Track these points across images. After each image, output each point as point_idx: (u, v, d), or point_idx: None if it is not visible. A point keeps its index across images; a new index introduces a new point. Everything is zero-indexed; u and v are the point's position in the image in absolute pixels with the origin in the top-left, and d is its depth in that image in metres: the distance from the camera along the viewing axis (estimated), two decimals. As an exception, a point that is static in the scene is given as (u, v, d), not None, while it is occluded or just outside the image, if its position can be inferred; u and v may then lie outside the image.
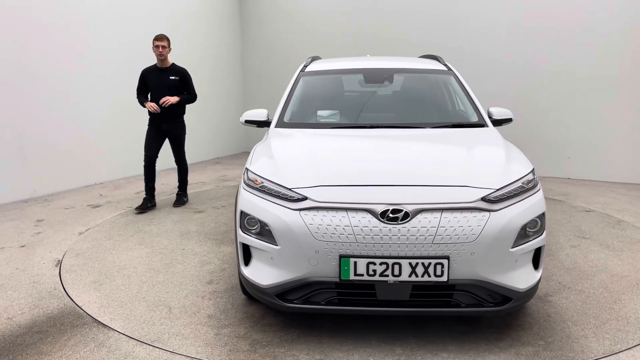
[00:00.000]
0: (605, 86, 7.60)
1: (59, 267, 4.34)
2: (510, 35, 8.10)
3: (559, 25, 7.75)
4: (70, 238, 5.11)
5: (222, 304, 3.66)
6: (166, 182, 7.66)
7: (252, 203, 3.11)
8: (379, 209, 2.86)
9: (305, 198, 2.96)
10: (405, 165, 3.29)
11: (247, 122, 4.29)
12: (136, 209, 6.00)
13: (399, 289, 2.90)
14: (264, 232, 3.03)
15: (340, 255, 2.85)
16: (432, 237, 2.81)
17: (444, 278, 2.85)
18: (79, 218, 5.84)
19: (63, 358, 2.95)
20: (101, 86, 7.50)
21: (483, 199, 2.92)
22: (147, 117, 6.08)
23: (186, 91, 6.07)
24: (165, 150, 6.30)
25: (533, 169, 3.27)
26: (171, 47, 6.01)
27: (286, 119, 4.17)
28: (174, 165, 6.36)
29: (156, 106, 5.79)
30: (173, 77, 5.95)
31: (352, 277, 2.87)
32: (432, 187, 2.98)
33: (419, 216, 2.85)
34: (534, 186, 3.15)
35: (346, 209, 2.89)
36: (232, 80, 10.50)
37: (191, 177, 7.77)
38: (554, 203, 6.44)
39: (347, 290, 2.96)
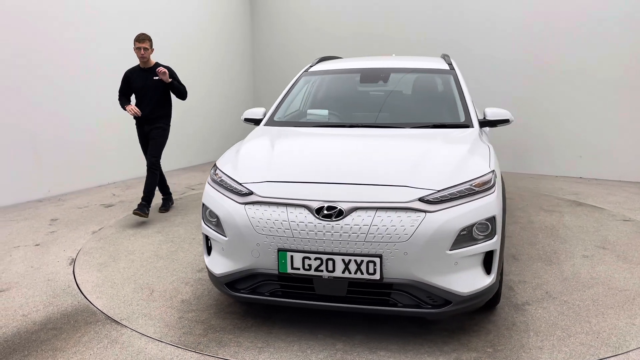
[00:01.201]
0: (617, 84, 7.49)
1: (72, 265, 4.43)
2: (521, 35, 8.03)
3: (570, 23, 7.68)
4: (83, 237, 5.20)
5: (200, 291, 3.89)
6: (189, 178, 8.05)
7: (211, 196, 3.30)
8: (315, 205, 2.94)
9: (251, 193, 3.11)
10: (355, 164, 3.32)
11: (246, 120, 4.49)
12: (160, 209, 6.04)
13: (335, 285, 2.96)
14: (218, 223, 3.21)
15: (278, 248, 2.97)
16: (365, 235, 2.85)
17: (377, 276, 2.87)
18: (93, 217, 5.91)
19: (77, 354, 3.02)
20: (113, 87, 6.98)
21: (420, 199, 2.90)
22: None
23: (173, 87, 5.72)
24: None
25: (492, 172, 3.18)
26: (153, 47, 5.75)
27: (277, 117, 4.32)
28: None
29: (137, 109, 5.59)
30: (157, 78, 5.64)
31: (289, 270, 2.97)
32: (370, 186, 3.01)
33: (353, 214, 2.89)
34: (488, 189, 3.06)
35: (286, 205, 3.00)
36: (243, 80, 10.41)
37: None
38: (588, 209, 6.05)
39: (288, 283, 3.07)
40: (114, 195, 7.01)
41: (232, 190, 3.20)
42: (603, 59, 7.52)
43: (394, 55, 5.84)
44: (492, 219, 3.01)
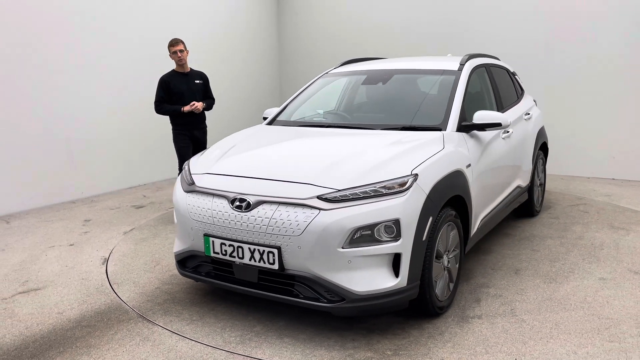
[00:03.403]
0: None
1: (105, 264, 4.55)
2: (555, 34, 7.69)
3: (605, 23, 7.32)
4: (116, 237, 5.31)
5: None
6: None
7: (175, 186, 3.81)
8: (231, 197, 3.27)
9: (193, 182, 3.54)
10: (280, 161, 3.53)
11: (264, 118, 4.91)
12: None
13: (248, 271, 3.25)
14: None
15: (204, 233, 3.36)
16: (266, 227, 3.09)
17: (276, 266, 3.10)
18: (124, 218, 6.02)
19: (110, 351, 3.11)
20: (144, 91, 7.37)
21: (319, 197, 3.04)
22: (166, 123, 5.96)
23: (207, 95, 5.95)
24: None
25: (411, 176, 3.14)
26: (188, 49, 5.80)
27: (281, 117, 4.65)
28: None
29: (199, 104, 5.63)
30: (198, 81, 5.80)
31: (212, 254, 3.35)
32: (279, 182, 3.22)
33: (259, 207, 3.15)
34: (398, 192, 3.06)
35: (212, 195, 3.38)
36: (268, 84, 10.35)
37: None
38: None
39: (218, 266, 3.43)
40: (145, 196, 7.12)
41: (184, 180, 3.66)
42: (634, 56, 7.17)
43: (449, 55, 5.71)
44: (396, 222, 3.01)
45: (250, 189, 3.24)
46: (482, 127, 3.92)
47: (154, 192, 7.37)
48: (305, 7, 10.05)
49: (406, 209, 3.04)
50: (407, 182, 3.11)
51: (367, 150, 3.45)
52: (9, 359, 3.07)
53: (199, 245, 3.41)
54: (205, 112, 5.98)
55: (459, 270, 3.71)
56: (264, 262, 3.12)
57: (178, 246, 3.64)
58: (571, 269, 4.24)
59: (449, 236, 3.49)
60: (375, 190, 3.05)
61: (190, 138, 5.83)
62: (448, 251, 3.52)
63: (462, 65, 4.43)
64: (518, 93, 5.52)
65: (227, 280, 3.40)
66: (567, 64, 7.64)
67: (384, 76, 4.60)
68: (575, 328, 3.28)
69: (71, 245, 5.12)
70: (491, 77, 4.83)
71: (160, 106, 5.75)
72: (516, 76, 5.72)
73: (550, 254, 4.59)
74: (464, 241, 3.79)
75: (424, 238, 3.14)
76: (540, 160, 5.77)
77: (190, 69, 5.88)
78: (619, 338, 3.15)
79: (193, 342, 3.18)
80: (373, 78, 4.65)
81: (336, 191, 3.05)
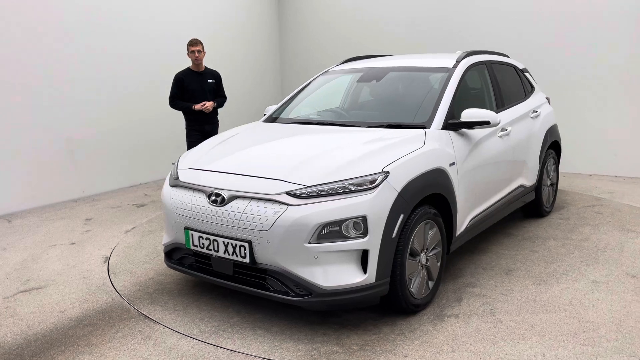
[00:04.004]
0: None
1: (107, 263, 4.56)
2: (557, 32, 7.58)
3: (605, 20, 7.19)
4: (117, 236, 5.33)
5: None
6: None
7: (166, 180, 3.95)
8: (208, 191, 3.37)
9: (177, 177, 3.67)
10: (258, 158, 3.61)
11: (264, 115, 5.00)
12: None
13: (224, 264, 3.35)
14: (164, 203, 3.85)
15: (185, 227, 3.48)
16: (238, 221, 3.19)
17: (247, 260, 3.19)
18: (126, 216, 6.03)
19: (112, 350, 3.11)
20: (145, 89, 7.64)
21: (288, 193, 3.10)
22: (182, 119, 6.15)
23: (219, 93, 6.20)
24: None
25: (381, 173, 3.16)
26: (205, 50, 6.05)
27: (277, 114, 4.73)
28: None
29: (209, 105, 5.87)
30: (211, 81, 6.06)
31: (191, 246, 3.47)
32: (253, 178, 3.29)
33: (233, 202, 3.24)
34: (367, 189, 3.08)
35: (193, 189, 3.50)
36: (271, 81, 10.29)
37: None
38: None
39: (198, 258, 3.55)
40: (146, 195, 7.14)
41: (172, 175, 3.79)
42: (637, 53, 7.03)
43: (458, 52, 5.63)
44: (363, 219, 3.04)
45: (226, 184, 3.33)
46: (470, 125, 3.88)
47: (155, 191, 7.37)
48: (307, 5, 10.03)
49: (374, 206, 3.06)
50: (376, 180, 3.13)
51: (343, 148, 3.48)
52: (11, 357, 3.09)
53: (181, 238, 3.53)
54: (217, 109, 6.20)
55: (440, 268, 3.69)
56: (237, 256, 3.21)
57: (165, 239, 3.78)
58: (566, 270, 4.15)
59: (426, 234, 3.48)
60: (343, 187, 3.09)
61: (201, 133, 6.03)
62: (426, 249, 3.51)
63: (457, 62, 4.38)
64: (526, 90, 5.41)
65: (206, 273, 3.50)
66: (568, 61, 7.55)
67: (379, 74, 4.61)
68: (551, 330, 3.22)
69: (72, 244, 5.14)
70: (492, 74, 4.75)
71: (174, 102, 6.04)
72: (526, 73, 5.60)
73: (549, 255, 4.49)
74: (447, 240, 3.77)
75: (393, 235, 3.15)
76: (551, 160, 5.63)
77: (205, 67, 6.12)
78: (594, 342, 3.08)
79: (195, 340, 3.19)
80: (368, 76, 4.67)
81: (305, 187, 3.10)
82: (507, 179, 4.64)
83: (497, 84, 4.75)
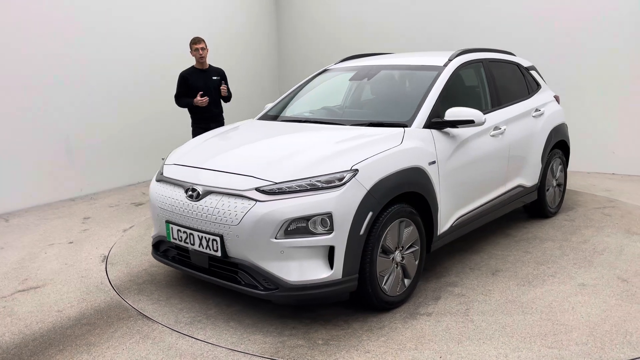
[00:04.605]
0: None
1: (105, 262, 4.54)
2: (555, 31, 7.54)
3: (604, 19, 7.18)
4: (115, 235, 5.31)
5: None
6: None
7: (154, 175, 4.10)
8: (186, 186, 3.49)
9: (162, 172, 3.81)
10: (235, 155, 3.69)
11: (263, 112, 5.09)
12: None
13: (200, 257, 3.46)
14: (152, 197, 3.99)
15: (165, 220, 3.62)
16: (211, 215, 3.29)
17: (219, 253, 3.29)
18: (124, 215, 6.02)
19: (110, 349, 3.11)
20: (143, 88, 7.62)
21: (257, 189, 3.18)
22: (188, 117, 6.16)
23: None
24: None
25: (350, 171, 3.20)
26: (208, 47, 6.10)
27: (271, 112, 4.81)
28: None
29: (206, 98, 5.91)
30: (215, 78, 6.10)
31: (172, 239, 3.60)
32: (227, 174, 3.38)
33: (207, 197, 3.35)
34: (334, 186, 3.13)
35: (173, 184, 3.62)
36: (269, 80, 10.09)
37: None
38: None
39: (179, 251, 3.68)
40: (144, 194, 7.08)
41: (159, 170, 3.93)
42: (634, 51, 7.03)
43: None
44: (329, 215, 3.09)
45: (202, 180, 3.44)
46: (454, 124, 3.86)
47: (153, 190, 7.46)
48: (304, 5, 10.01)
49: (340, 203, 3.10)
50: (344, 177, 3.17)
51: (317, 146, 3.54)
52: (9, 357, 3.08)
53: (164, 231, 3.66)
54: (222, 106, 6.31)
55: (419, 267, 3.69)
56: (210, 249, 3.32)
57: (153, 231, 3.92)
58: (554, 273, 4.08)
59: (402, 232, 3.50)
60: (311, 184, 3.14)
61: (206, 130, 5.89)
62: (402, 247, 3.52)
63: (449, 61, 4.36)
64: (530, 89, 5.31)
65: (185, 265, 3.62)
66: (566, 59, 7.52)
67: (371, 72, 4.63)
68: (521, 332, 3.19)
69: (70, 243, 5.11)
70: (489, 72, 4.69)
71: (179, 100, 6.14)
72: (532, 71, 5.49)
73: (542, 256, 4.42)
74: (428, 239, 3.77)
75: (361, 232, 3.18)
76: (558, 160, 5.51)
77: (210, 65, 6.20)
78: (562, 345, 3.03)
79: (194, 339, 3.19)
80: (360, 74, 4.69)
81: (273, 184, 3.17)
82: (501, 178, 4.58)
83: (493, 82, 4.69)
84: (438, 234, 3.87)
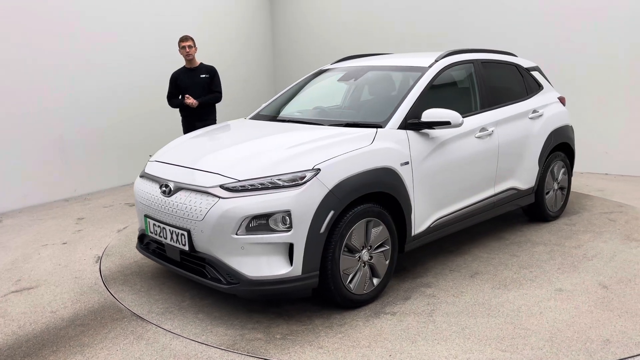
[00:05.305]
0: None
1: (99, 263, 4.54)
2: (545, 27, 7.55)
3: (599, 20, 7.19)
4: (109, 235, 5.31)
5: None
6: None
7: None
8: (160, 183, 3.65)
9: (145, 169, 3.98)
10: (212, 152, 3.80)
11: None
12: None
13: (173, 250, 3.61)
14: (139, 192, 4.17)
15: (144, 214, 3.79)
16: (180, 211, 3.43)
17: (186, 247, 3.42)
18: (118, 216, 6.01)
19: (104, 350, 3.10)
20: (137, 88, 7.64)
21: (221, 186, 3.30)
22: (179, 118, 6.20)
23: (212, 88, 6.13)
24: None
25: (312, 170, 3.26)
26: (196, 46, 6.06)
27: (263, 112, 4.92)
28: None
29: (193, 99, 5.87)
30: (204, 76, 6.04)
31: (149, 232, 3.76)
32: (196, 171, 3.51)
33: (178, 193, 3.49)
34: (294, 185, 3.21)
35: (151, 180, 3.79)
36: (265, 80, 10.17)
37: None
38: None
39: (157, 244, 3.84)
40: None
41: (144, 167, 4.11)
42: (627, 51, 7.04)
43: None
44: (288, 213, 3.17)
45: (174, 176, 3.59)
46: (430, 125, 3.86)
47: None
48: (299, 5, 9.99)
49: (299, 201, 3.18)
50: (305, 176, 3.24)
51: (285, 145, 3.61)
52: (2, 358, 3.09)
53: (143, 225, 3.83)
54: (216, 106, 6.29)
55: (389, 266, 3.72)
56: (179, 244, 3.46)
57: (139, 225, 4.10)
58: (535, 277, 4.02)
59: (369, 232, 3.54)
60: (272, 182, 3.23)
61: (192, 130, 5.88)
62: (370, 247, 3.56)
63: (435, 61, 4.35)
64: (530, 90, 5.21)
65: (161, 258, 3.78)
66: (558, 61, 7.46)
67: (358, 73, 4.67)
68: (479, 334, 3.19)
69: (64, 243, 5.11)
70: (480, 73, 4.65)
71: (170, 100, 6.23)
72: (533, 72, 5.38)
73: (528, 260, 4.36)
74: (401, 239, 3.80)
75: (322, 231, 3.25)
76: (560, 162, 5.39)
77: (201, 63, 6.17)
78: (516, 349, 3.01)
79: (187, 340, 3.20)
80: (348, 75, 4.74)
81: (237, 181, 3.28)
82: (489, 180, 4.54)
83: (484, 83, 4.65)
84: (413, 234, 3.88)
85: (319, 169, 3.28)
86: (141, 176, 3.98)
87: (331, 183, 3.29)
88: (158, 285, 4.04)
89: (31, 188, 6.59)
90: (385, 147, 3.66)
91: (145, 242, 4.01)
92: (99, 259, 4.68)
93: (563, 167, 5.46)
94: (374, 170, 3.52)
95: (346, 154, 3.44)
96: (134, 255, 4.72)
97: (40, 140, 6.65)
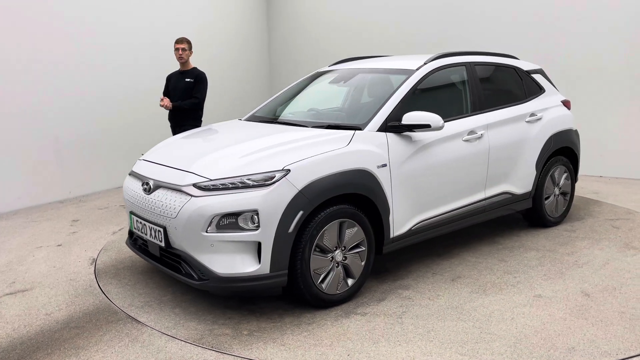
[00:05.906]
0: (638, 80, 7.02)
1: (94, 265, 4.51)
2: (538, 28, 7.57)
3: (589, 17, 7.22)
4: (104, 237, 5.28)
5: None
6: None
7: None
8: (142, 180, 3.79)
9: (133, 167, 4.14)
10: (192, 152, 3.91)
11: (253, 115, 5.31)
12: None
13: (154, 246, 3.74)
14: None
15: (129, 211, 3.94)
16: (158, 208, 3.55)
17: (162, 243, 3.54)
18: (113, 218, 5.98)
19: (99, 352, 3.08)
20: (132, 90, 7.59)
21: (194, 185, 3.41)
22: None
23: (192, 93, 5.92)
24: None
25: (282, 171, 3.33)
26: (192, 50, 5.99)
27: (258, 113, 5.01)
28: None
29: (167, 101, 5.79)
30: (189, 80, 5.90)
31: (133, 229, 3.91)
32: (175, 170, 3.62)
33: (157, 190, 3.62)
34: (263, 185, 3.29)
35: (136, 177, 3.94)
36: (261, 83, 10.14)
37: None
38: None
39: (143, 240, 3.98)
40: None
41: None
42: (623, 54, 7.06)
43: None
44: (255, 212, 3.26)
45: (154, 175, 3.72)
46: (410, 127, 3.87)
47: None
48: (296, 8, 9.97)
49: (266, 201, 3.25)
50: (274, 177, 3.31)
51: (259, 145, 3.69)
52: None
53: (129, 221, 3.98)
54: (200, 112, 6.08)
55: (365, 267, 3.75)
56: (157, 240, 3.58)
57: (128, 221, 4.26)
58: (517, 282, 3.97)
59: (343, 233, 3.58)
60: (242, 182, 3.32)
61: (174, 132, 6.08)
62: (344, 247, 3.60)
63: (424, 64, 4.35)
64: (529, 93, 5.13)
65: (144, 253, 3.92)
66: (554, 63, 7.40)
67: (348, 76, 4.71)
68: (443, 337, 3.19)
69: (59, 245, 5.07)
70: (472, 76, 4.61)
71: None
72: (533, 75, 5.29)
73: (515, 266, 4.30)
74: (378, 241, 3.82)
75: (290, 230, 3.31)
76: (561, 167, 5.29)
77: (194, 68, 6.05)
78: (476, 353, 3.00)
79: (182, 342, 3.20)
80: (340, 77, 4.78)
81: (209, 180, 3.38)
82: (479, 184, 4.50)
83: (476, 86, 4.61)
84: (392, 236, 3.90)
85: (289, 170, 3.34)
86: (130, 174, 4.13)
87: (301, 184, 3.34)
88: (145, 280, 4.18)
89: (26, 190, 6.56)
90: (362, 149, 3.69)
91: (133, 238, 4.15)
92: (94, 260, 4.67)
93: (565, 172, 5.35)
94: (348, 171, 3.56)
95: (319, 155, 3.49)
96: (129, 251, 4.86)
97: (35, 141, 6.62)
